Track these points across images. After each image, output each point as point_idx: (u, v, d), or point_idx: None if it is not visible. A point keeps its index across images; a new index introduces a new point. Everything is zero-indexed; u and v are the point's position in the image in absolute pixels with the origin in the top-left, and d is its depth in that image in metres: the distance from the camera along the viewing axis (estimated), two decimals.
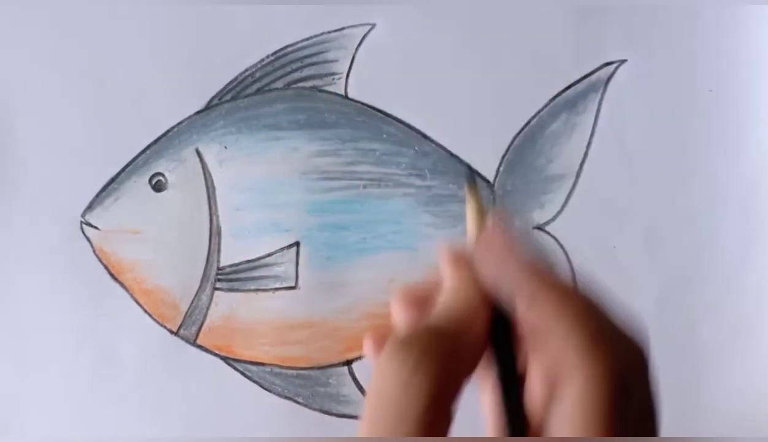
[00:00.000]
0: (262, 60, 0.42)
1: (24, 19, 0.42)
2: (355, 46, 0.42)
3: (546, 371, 0.25)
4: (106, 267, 0.41)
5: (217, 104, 0.42)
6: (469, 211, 0.28)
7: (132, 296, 0.41)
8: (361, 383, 0.41)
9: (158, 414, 0.41)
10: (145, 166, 0.42)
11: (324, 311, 0.41)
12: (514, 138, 0.42)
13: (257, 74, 0.42)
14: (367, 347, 0.28)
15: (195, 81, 0.42)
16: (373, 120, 0.42)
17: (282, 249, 0.41)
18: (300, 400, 0.41)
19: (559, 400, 0.24)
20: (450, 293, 0.27)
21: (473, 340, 0.26)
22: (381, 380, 0.25)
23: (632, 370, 0.25)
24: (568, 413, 0.24)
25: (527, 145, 0.42)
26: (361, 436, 0.25)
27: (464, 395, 0.40)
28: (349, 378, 0.41)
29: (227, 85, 0.42)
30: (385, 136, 0.42)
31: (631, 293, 0.41)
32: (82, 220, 0.41)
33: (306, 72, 0.42)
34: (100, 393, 0.41)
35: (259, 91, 0.42)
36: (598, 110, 0.42)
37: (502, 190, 0.42)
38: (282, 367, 0.41)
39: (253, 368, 0.41)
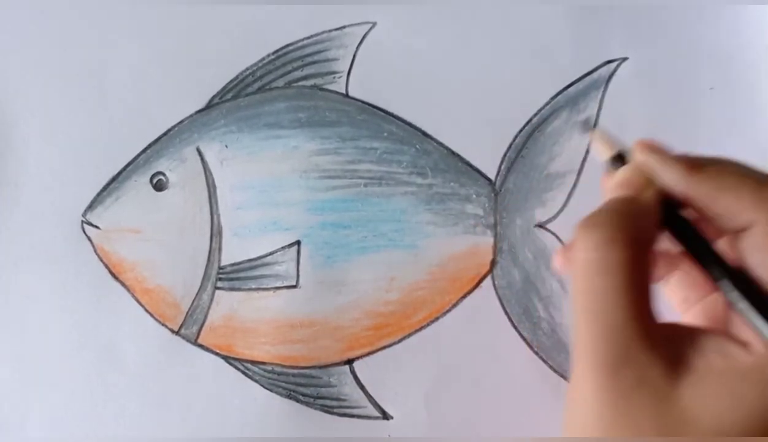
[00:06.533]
0: (263, 59, 0.42)
1: (24, 20, 0.42)
2: (356, 44, 0.42)
3: (724, 223, 0.30)
4: (106, 266, 0.41)
5: (217, 103, 0.42)
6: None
7: (133, 296, 0.41)
8: (362, 382, 0.41)
9: (159, 414, 0.41)
10: (145, 165, 0.42)
11: (325, 309, 0.41)
12: (516, 136, 0.42)
13: (258, 73, 0.42)
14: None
15: (196, 80, 0.42)
16: (374, 118, 0.42)
17: (283, 248, 0.41)
18: (301, 399, 0.41)
19: (747, 234, 0.29)
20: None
21: (645, 211, 0.31)
22: (583, 254, 0.30)
23: None
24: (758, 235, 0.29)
25: (529, 143, 0.42)
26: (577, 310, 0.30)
27: (466, 400, 0.40)
28: (350, 377, 0.41)
29: (228, 83, 0.42)
30: (385, 134, 0.42)
31: None
32: (83, 219, 0.41)
33: (307, 71, 0.42)
34: (101, 393, 0.41)
35: (259, 89, 0.42)
36: (600, 108, 0.42)
37: (503, 188, 0.42)
38: (283, 366, 0.41)
39: (254, 367, 0.41)
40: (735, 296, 0.29)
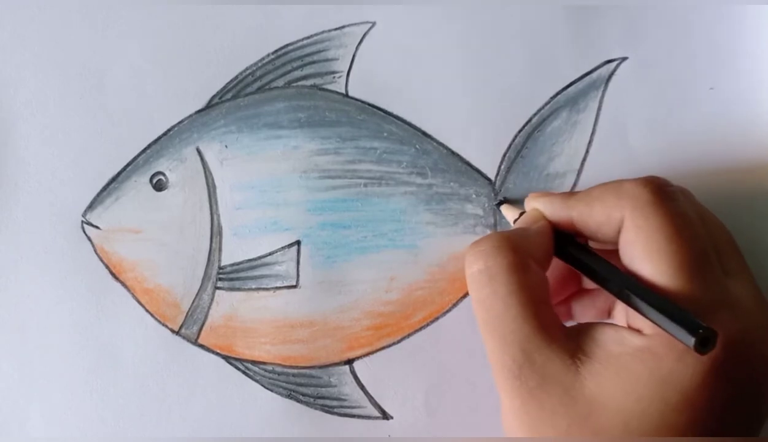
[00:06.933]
0: (263, 59, 0.42)
1: (24, 19, 0.42)
2: (356, 44, 0.42)
3: (607, 233, 0.33)
4: (107, 266, 0.41)
5: (217, 103, 0.42)
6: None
7: (133, 296, 0.41)
8: (362, 382, 0.41)
9: (159, 414, 0.41)
10: (145, 165, 0.42)
11: (325, 309, 0.41)
12: (516, 136, 0.42)
13: (258, 73, 0.42)
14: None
15: (195, 80, 0.42)
16: (374, 118, 0.42)
17: (283, 248, 0.41)
18: (301, 399, 0.41)
19: (621, 233, 0.32)
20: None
21: (533, 233, 0.35)
22: (470, 268, 0.33)
23: (662, 182, 0.34)
24: (630, 229, 0.32)
25: (529, 143, 0.42)
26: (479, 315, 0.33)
27: (466, 400, 0.40)
28: (350, 377, 0.41)
29: (228, 83, 0.42)
30: (385, 134, 0.42)
31: None
32: (83, 219, 0.41)
33: (306, 70, 0.42)
34: (101, 393, 0.41)
35: (259, 89, 0.42)
36: (600, 108, 0.42)
37: (503, 188, 0.42)
38: (283, 366, 0.41)
39: (254, 367, 0.41)
40: (616, 289, 0.32)
